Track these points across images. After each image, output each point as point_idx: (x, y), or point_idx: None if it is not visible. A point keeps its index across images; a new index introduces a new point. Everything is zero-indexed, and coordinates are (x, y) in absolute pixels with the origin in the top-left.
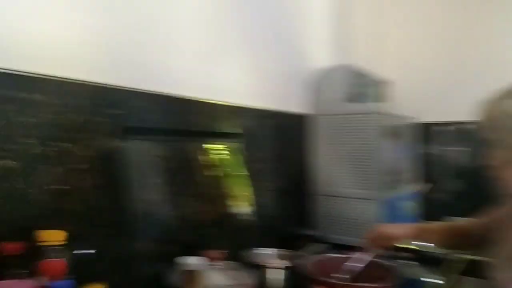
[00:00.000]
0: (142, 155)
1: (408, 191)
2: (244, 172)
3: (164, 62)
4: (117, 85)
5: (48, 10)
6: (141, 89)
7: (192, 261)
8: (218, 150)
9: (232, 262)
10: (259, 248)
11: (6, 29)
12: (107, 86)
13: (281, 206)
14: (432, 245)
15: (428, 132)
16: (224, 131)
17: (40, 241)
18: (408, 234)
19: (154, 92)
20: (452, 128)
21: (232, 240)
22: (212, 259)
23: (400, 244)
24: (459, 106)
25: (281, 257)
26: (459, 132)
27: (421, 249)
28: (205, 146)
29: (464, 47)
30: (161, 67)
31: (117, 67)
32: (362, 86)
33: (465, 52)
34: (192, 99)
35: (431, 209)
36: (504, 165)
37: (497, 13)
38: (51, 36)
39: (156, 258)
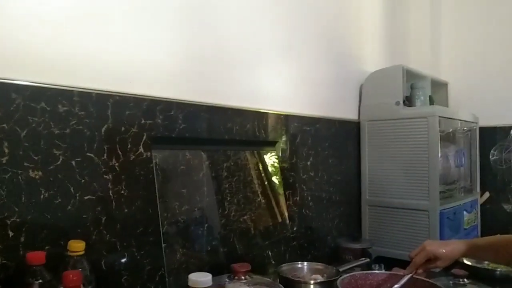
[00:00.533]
0: (182, 165)
1: (466, 202)
2: (292, 181)
3: (211, 72)
4: (153, 95)
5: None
6: (183, 100)
7: (200, 278)
8: (265, 159)
9: (260, 276)
10: (294, 262)
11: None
12: (143, 97)
13: (329, 217)
14: (487, 262)
15: (489, 137)
16: (272, 140)
17: (63, 251)
18: (458, 252)
19: (197, 102)
20: None
21: (271, 252)
22: (238, 272)
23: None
24: None
25: (316, 271)
26: None
27: (477, 265)
28: (252, 155)
29: None
30: (207, 76)
31: (159, 78)
32: (416, 89)
33: None
34: (239, 108)
35: (493, 221)
36: None
37: None
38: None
39: (185, 270)
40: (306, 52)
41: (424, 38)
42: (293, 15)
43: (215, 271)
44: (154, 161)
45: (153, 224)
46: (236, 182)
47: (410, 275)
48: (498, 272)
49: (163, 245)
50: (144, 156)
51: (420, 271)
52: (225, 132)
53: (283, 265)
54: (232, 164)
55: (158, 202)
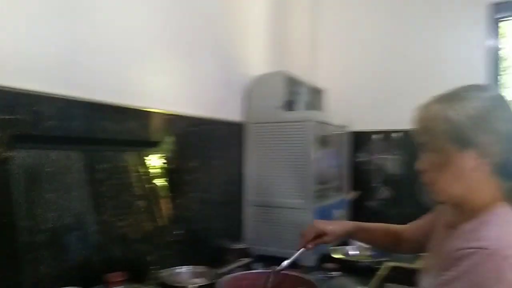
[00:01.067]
0: (50, 167)
1: (339, 199)
2: (175, 182)
3: (88, 65)
4: (13, 87)
5: None
6: (52, 93)
7: None
8: (148, 160)
9: (139, 284)
10: (175, 267)
11: None
12: (2, 88)
13: (212, 218)
14: (366, 245)
15: (357, 140)
16: (155, 140)
17: None
18: (344, 229)
19: (72, 97)
20: (381, 136)
21: (153, 257)
22: (113, 282)
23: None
24: (389, 115)
25: (198, 275)
26: (388, 140)
27: (347, 259)
28: (133, 156)
29: (395, 58)
30: (82, 69)
31: (24, 68)
32: (296, 94)
33: (396, 64)
34: (119, 105)
35: (359, 217)
36: (433, 169)
37: (429, 26)
38: None
39: (52, 285)
40: (193, 52)
41: (304, 46)
42: (179, 12)
43: (88, 283)
44: (13, 162)
45: (8, 235)
46: (115, 185)
47: (302, 249)
48: (362, 263)
49: (23, 257)
50: (1, 156)
51: (310, 246)
52: (102, 131)
53: (163, 270)
54: (110, 165)
55: (17, 208)
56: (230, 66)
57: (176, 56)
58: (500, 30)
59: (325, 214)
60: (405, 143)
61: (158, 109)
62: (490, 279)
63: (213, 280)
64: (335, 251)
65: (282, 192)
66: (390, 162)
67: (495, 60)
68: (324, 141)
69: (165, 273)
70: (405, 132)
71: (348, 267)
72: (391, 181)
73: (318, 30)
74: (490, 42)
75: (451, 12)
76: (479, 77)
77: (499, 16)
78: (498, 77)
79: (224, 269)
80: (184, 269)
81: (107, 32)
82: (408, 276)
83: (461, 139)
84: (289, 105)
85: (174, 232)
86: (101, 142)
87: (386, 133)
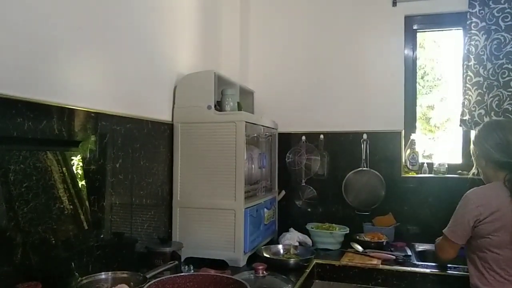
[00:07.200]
0: None
1: (267, 199)
2: (98, 184)
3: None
4: None
5: None
6: None
7: None
8: (68, 160)
9: None
10: (97, 273)
11: None
12: None
13: (139, 221)
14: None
15: (285, 141)
16: (76, 140)
17: None
18: None
19: None
20: (309, 138)
21: (74, 264)
22: None
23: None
24: (316, 118)
25: (122, 280)
26: (315, 141)
27: (273, 258)
28: (52, 156)
29: (322, 64)
30: None
31: None
32: (226, 95)
33: (322, 69)
34: (33, 101)
35: (287, 215)
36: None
37: (353, 35)
38: None
39: None
40: (119, 47)
41: (234, 48)
42: (104, 5)
43: None
44: None
45: None
46: (32, 187)
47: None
48: (291, 262)
49: None
50: None
51: None
52: (13, 128)
53: (84, 278)
54: (25, 166)
55: None
56: (159, 64)
57: (100, 52)
58: (418, 41)
59: (254, 214)
60: (331, 144)
61: (79, 106)
62: (460, 205)
63: (140, 285)
64: (266, 250)
65: (212, 193)
66: (317, 163)
67: (413, 68)
68: (253, 142)
69: (85, 281)
70: (331, 134)
71: (277, 265)
72: (317, 181)
73: (248, 33)
74: (408, 52)
75: (373, 22)
76: (398, 83)
77: (416, 28)
78: (415, 84)
79: (151, 273)
80: (105, 275)
81: (21, 25)
82: (335, 273)
83: None
84: (220, 106)
85: (97, 237)
86: (14, 141)
87: (313, 135)
